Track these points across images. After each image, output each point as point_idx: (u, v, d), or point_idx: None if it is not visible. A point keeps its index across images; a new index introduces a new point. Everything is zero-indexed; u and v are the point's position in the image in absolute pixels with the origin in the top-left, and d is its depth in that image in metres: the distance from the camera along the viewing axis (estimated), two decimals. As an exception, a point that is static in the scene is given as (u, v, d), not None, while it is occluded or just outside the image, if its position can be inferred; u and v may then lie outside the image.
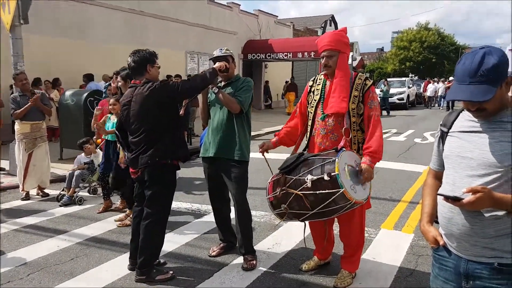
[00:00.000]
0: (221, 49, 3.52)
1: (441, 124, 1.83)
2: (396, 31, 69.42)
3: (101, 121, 5.11)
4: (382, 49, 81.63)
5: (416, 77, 35.99)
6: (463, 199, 1.50)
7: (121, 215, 4.88)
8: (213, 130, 3.50)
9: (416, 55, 44.42)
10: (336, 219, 3.17)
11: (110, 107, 5.02)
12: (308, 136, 3.23)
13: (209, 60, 3.63)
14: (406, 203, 5.32)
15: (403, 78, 26.00)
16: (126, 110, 3.25)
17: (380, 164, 7.21)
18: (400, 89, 22.34)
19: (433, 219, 1.81)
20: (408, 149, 9.55)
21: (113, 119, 5.06)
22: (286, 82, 20.31)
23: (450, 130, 1.75)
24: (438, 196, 1.70)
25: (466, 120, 1.70)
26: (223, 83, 3.55)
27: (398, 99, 21.71)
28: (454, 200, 1.53)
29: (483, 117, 1.62)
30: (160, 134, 3.17)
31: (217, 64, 3.36)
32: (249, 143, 3.55)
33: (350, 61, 22.61)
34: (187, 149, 3.37)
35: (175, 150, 3.24)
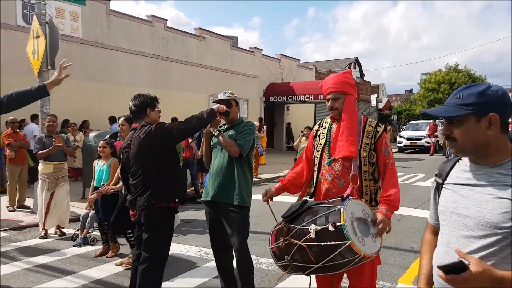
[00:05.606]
0: (225, 93, 3.49)
1: (436, 174, 1.63)
2: (425, 72, 69.07)
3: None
4: (410, 91, 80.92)
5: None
6: (467, 267, 1.25)
7: (124, 259, 4.81)
8: (213, 174, 3.40)
9: (445, 97, 43.78)
10: (345, 273, 2.92)
11: (99, 149, 5.02)
12: (314, 182, 3.05)
13: (212, 102, 3.58)
14: (429, 254, 4.90)
15: (432, 121, 25.44)
16: (127, 152, 3.24)
17: (402, 211, 6.92)
18: (429, 131, 21.79)
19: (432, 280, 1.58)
20: (434, 194, 9.10)
21: (101, 163, 5.05)
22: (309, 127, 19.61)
23: (445, 182, 1.55)
24: (434, 262, 1.48)
25: (462, 170, 1.50)
26: (226, 126, 3.48)
27: (427, 142, 21.18)
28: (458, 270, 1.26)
29: (455, 149, 1.46)
30: (157, 177, 3.11)
31: (216, 106, 3.30)
32: (250, 188, 3.40)
33: (374, 103, 22.38)
34: (184, 192, 3.29)
35: (172, 193, 3.17)
